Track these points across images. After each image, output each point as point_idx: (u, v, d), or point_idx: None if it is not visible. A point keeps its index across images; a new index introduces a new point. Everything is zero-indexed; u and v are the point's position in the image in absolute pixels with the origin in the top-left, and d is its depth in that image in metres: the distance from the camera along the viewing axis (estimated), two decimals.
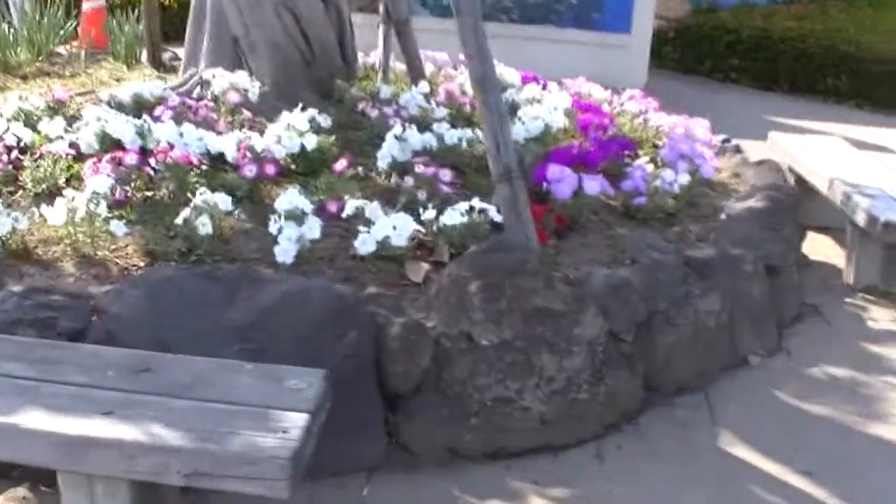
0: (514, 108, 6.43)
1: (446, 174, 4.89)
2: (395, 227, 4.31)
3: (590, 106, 6.53)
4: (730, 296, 4.82)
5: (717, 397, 4.60)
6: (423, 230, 4.56)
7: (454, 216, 4.49)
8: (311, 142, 5.05)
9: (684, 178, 5.35)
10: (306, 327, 3.79)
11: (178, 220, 4.15)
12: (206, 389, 3.12)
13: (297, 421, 2.98)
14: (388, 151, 5.14)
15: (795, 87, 10.68)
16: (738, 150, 6.68)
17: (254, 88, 5.77)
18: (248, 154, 4.74)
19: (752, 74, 10.84)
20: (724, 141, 6.74)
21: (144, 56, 7.54)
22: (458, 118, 5.97)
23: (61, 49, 7.91)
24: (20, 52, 7.31)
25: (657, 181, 5.26)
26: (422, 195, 4.81)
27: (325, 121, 5.46)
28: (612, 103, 6.95)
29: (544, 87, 7.19)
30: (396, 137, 5.14)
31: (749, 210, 5.48)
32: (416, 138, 5.18)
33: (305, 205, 4.26)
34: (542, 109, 5.90)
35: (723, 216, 5.49)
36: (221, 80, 5.78)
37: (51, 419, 2.93)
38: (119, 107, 5.56)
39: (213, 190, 4.58)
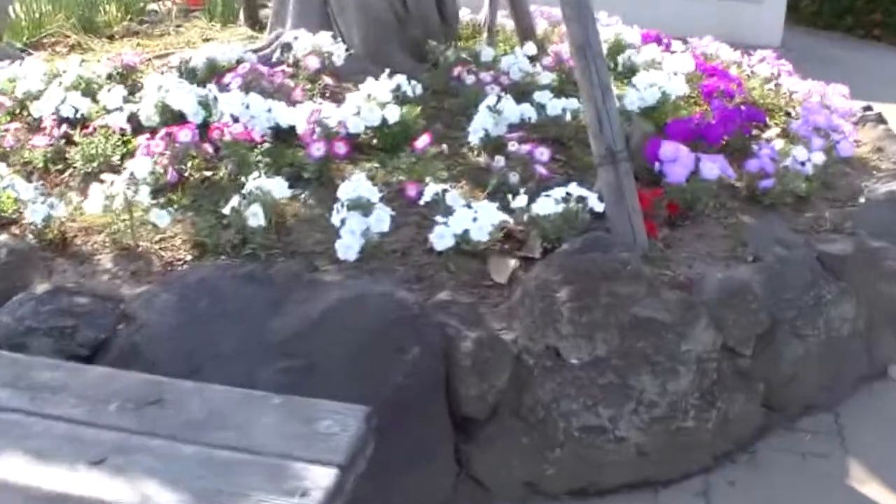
0: (632, 72, 5.68)
1: (544, 152, 4.20)
2: (475, 219, 3.63)
3: (716, 69, 5.72)
4: (868, 297, 4.04)
5: (849, 419, 3.86)
6: (511, 220, 3.87)
7: (547, 204, 3.80)
8: (394, 114, 4.41)
9: (818, 158, 4.53)
10: (360, 341, 3.18)
11: (227, 209, 3.55)
12: (219, 430, 2.54)
13: (321, 479, 2.38)
14: (479, 125, 4.47)
15: None
16: (880, 119, 5.77)
17: (339, 51, 5.14)
18: (318, 129, 4.09)
19: None
20: (865, 109, 5.83)
21: (242, 14, 6.96)
22: (566, 84, 5.23)
23: (155, 5, 7.36)
24: (108, 9, 6.78)
25: (787, 160, 4.45)
26: (514, 177, 4.11)
27: (414, 88, 4.79)
28: (741, 66, 6.10)
29: (668, 48, 6.39)
30: (490, 108, 4.47)
31: (892, 193, 4.63)
32: (512, 109, 4.49)
33: (372, 193, 3.62)
34: (661, 75, 5.11)
35: (862, 200, 4.66)
36: (304, 41, 5.16)
37: (29, 468, 2.39)
38: (190, 73, 5.01)
39: (279, 170, 3.99)
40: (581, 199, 3.87)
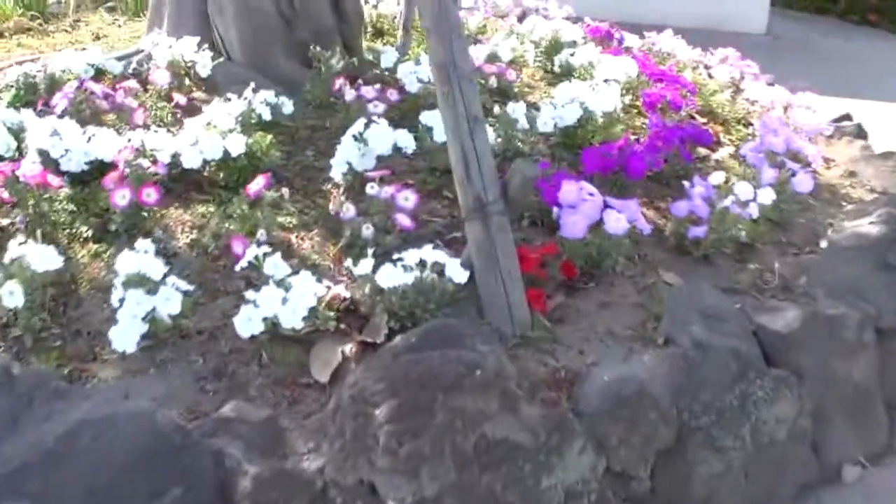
0: (568, 75, 4.69)
1: (409, 197, 3.22)
2: (285, 300, 2.68)
3: (664, 74, 4.70)
4: (818, 381, 3.06)
5: None
6: (346, 294, 2.92)
7: (393, 274, 2.82)
8: (237, 144, 3.42)
9: (766, 196, 3.54)
10: (105, 479, 2.27)
11: None
12: None
13: None
14: (343, 157, 3.47)
15: None
16: (860, 132, 4.74)
17: (204, 60, 4.16)
18: (128, 169, 3.14)
19: (893, 17, 8.55)
20: (842, 119, 4.79)
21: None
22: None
23: None
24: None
25: (726, 200, 3.44)
26: (368, 231, 3.14)
27: (280, 106, 3.81)
28: (697, 69, 5.06)
29: (619, 44, 5.38)
30: (355, 137, 3.46)
31: (859, 237, 3.62)
32: (382, 137, 3.49)
33: (155, 268, 2.66)
34: (583, 87, 4.11)
35: (823, 244, 3.66)
36: (162, 49, 4.18)
37: None
38: (30, 88, 4.03)
39: (88, 220, 3.07)
40: (439, 266, 2.89)
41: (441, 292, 2.91)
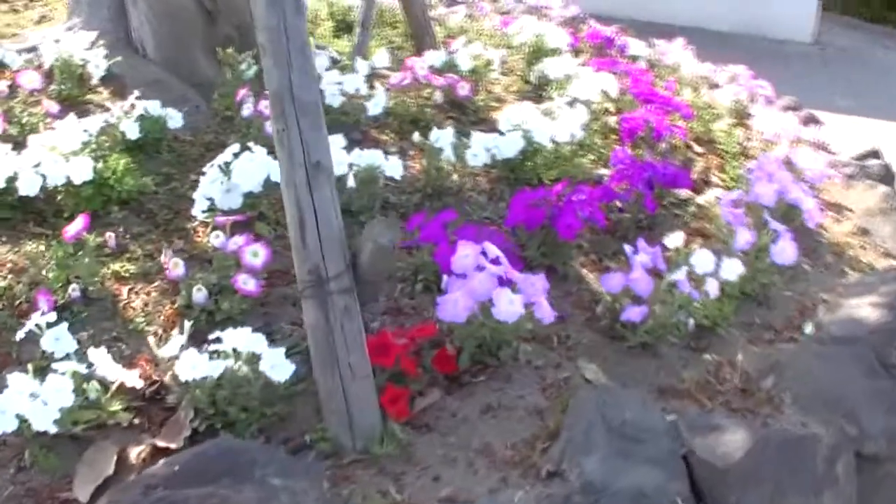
0: (542, 89, 3.94)
1: (258, 254, 2.48)
2: (34, 395, 1.99)
3: (654, 95, 3.88)
4: None
5: None
6: (140, 383, 2.23)
7: (197, 362, 2.11)
8: (82, 169, 2.73)
9: (732, 270, 2.73)
10: None
11: None
12: None
13: None
14: (203, 192, 2.76)
15: None
16: (886, 175, 3.86)
17: (97, 59, 3.48)
18: None
19: None
20: (868, 155, 3.92)
21: None
22: (404, 118, 3.50)
23: None
24: None
25: (679, 273, 2.65)
26: (201, 296, 2.43)
27: (163, 120, 3.11)
28: (697, 90, 4.21)
29: (622, 52, 4.58)
30: (221, 169, 2.74)
31: (855, 324, 2.82)
32: (254, 170, 2.76)
33: None
34: (529, 110, 3.36)
35: (808, 330, 2.85)
36: (48, 45, 3.51)
37: None
38: None
39: None
40: (255, 357, 2.17)
41: (266, 385, 2.19)
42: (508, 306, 2.35)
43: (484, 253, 2.52)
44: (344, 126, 3.46)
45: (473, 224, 3.04)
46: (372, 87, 3.57)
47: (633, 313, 2.59)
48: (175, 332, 2.39)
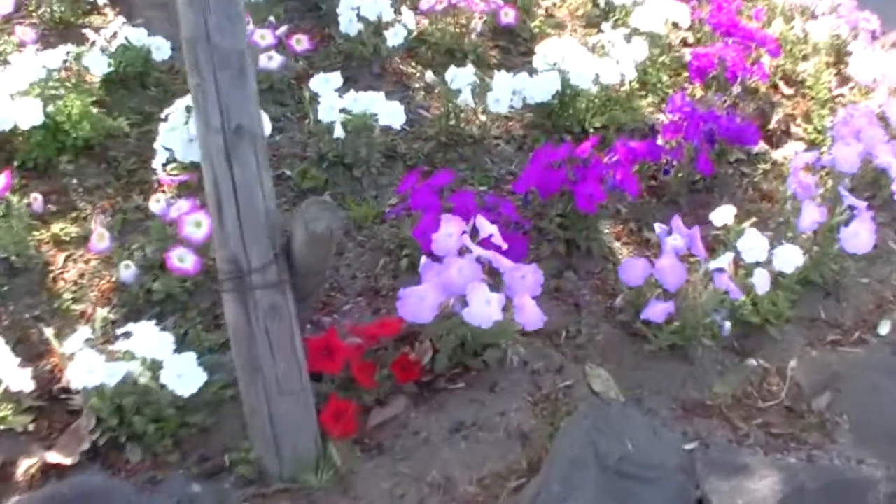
0: (608, 15, 3.39)
1: (201, 224, 2.06)
2: None
3: (734, 26, 3.25)
4: None
5: None
6: (29, 385, 1.85)
7: (94, 366, 1.72)
8: (30, 112, 2.37)
9: (789, 260, 2.20)
10: None
11: None
12: None
13: None
14: (162, 142, 2.34)
15: None
16: None
17: None
18: None
19: None
20: None
21: None
22: (438, 48, 3.01)
23: None
24: None
25: (718, 261, 2.12)
26: (128, 271, 2.04)
27: (157, 50, 2.71)
28: (791, 19, 3.55)
29: None
30: (185, 113, 2.32)
31: None
32: None
33: None
34: (569, 48, 2.79)
35: (882, 329, 2.31)
36: None
37: None
38: None
39: None
40: (157, 364, 1.76)
41: (165, 399, 1.79)
42: (483, 307, 1.87)
43: (476, 230, 2.04)
44: (360, 59, 2.99)
45: (489, 185, 2.55)
46: (398, 12, 3.06)
47: (656, 312, 2.07)
48: (100, 312, 1.99)
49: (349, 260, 2.32)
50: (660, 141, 2.75)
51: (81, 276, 2.19)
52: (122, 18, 2.86)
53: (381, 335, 1.97)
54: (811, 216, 2.31)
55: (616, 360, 2.14)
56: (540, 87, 2.67)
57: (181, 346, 1.96)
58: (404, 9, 3.07)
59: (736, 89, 3.00)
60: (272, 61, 2.72)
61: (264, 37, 2.74)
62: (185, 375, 1.77)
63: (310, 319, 2.02)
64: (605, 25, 3.08)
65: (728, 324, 2.12)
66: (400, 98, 2.90)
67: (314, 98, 2.53)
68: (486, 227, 2.04)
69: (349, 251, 2.34)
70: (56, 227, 2.29)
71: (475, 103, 2.66)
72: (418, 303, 1.90)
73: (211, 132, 1.71)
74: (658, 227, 2.21)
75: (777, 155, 2.92)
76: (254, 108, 1.74)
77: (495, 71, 2.80)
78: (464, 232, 2.01)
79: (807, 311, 2.36)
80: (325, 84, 2.54)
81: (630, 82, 2.92)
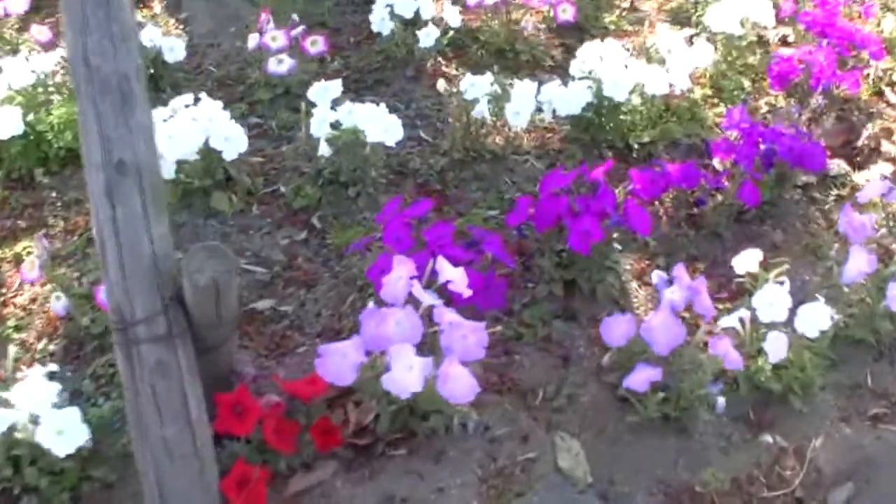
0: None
1: None
2: None
3: (830, 24, 2.81)
4: None
5: None
6: None
7: None
8: (10, 122, 2.29)
9: (813, 321, 1.81)
10: None
11: None
12: None
13: None
14: None
15: None
16: None
17: None
18: None
19: None
20: None
21: None
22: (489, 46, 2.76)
23: None
24: None
25: (729, 318, 1.78)
26: (58, 305, 1.90)
27: (170, 51, 2.59)
28: None
29: None
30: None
31: None
32: (188, 132, 2.16)
33: None
34: (613, 51, 2.46)
35: None
36: None
37: None
38: None
39: None
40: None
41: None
42: (404, 374, 1.60)
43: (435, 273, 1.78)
44: (396, 61, 2.74)
45: (502, 209, 2.26)
46: (441, 9, 2.79)
47: (639, 380, 1.75)
48: (12, 351, 1.84)
49: (318, 293, 2.09)
50: (716, 162, 2.40)
51: (33, 300, 2.06)
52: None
53: (309, 394, 1.73)
54: (858, 265, 1.92)
55: (597, 428, 1.84)
56: (568, 99, 2.35)
57: (108, 388, 1.81)
58: (447, 4, 2.80)
59: (816, 99, 2.58)
60: (282, 65, 2.51)
61: (276, 38, 2.54)
62: (66, 432, 1.59)
63: (231, 370, 1.80)
64: (657, 26, 2.72)
65: (722, 400, 1.77)
66: (432, 104, 2.65)
67: (309, 109, 2.30)
68: (447, 271, 1.78)
69: (322, 282, 2.11)
70: (20, 246, 2.16)
71: (494, 116, 2.37)
72: (340, 361, 1.66)
73: (91, 167, 1.52)
74: (656, 275, 1.88)
75: (859, 178, 2.50)
76: (142, 140, 1.53)
77: (549, 76, 2.53)
78: (414, 276, 1.76)
79: (849, 376, 1.97)
80: (324, 93, 2.31)
81: (701, 89, 2.57)
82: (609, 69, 2.36)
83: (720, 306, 2.08)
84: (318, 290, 2.10)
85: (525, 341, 1.98)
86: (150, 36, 2.61)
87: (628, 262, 2.17)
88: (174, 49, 2.62)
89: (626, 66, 2.40)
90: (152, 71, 2.61)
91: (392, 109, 2.56)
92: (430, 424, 1.75)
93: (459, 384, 1.62)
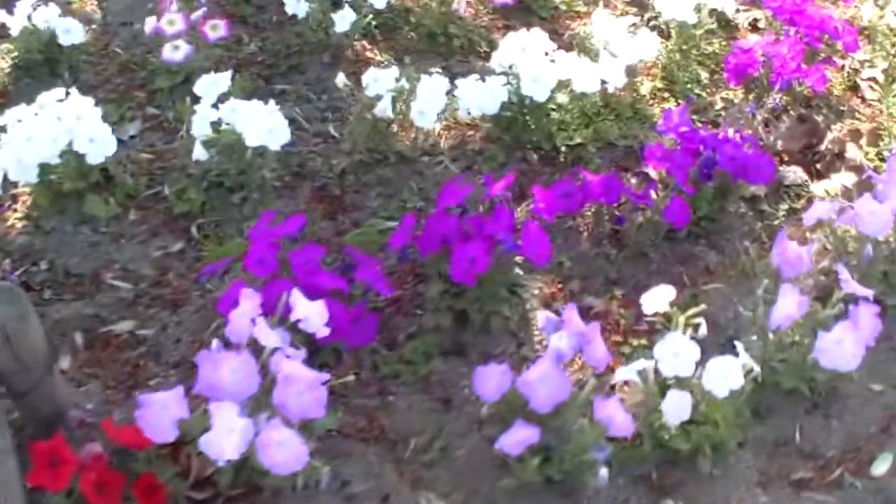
0: None
1: None
2: None
3: (800, 12, 2.52)
4: None
5: None
6: None
7: None
8: None
9: (723, 378, 1.55)
10: None
11: None
12: None
13: None
14: None
15: None
16: None
17: None
18: None
19: None
20: None
21: None
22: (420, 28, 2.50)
23: None
24: None
25: (619, 372, 1.53)
26: None
27: (65, 35, 2.37)
28: (885, 6, 2.75)
29: None
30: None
31: None
32: (48, 132, 1.93)
33: None
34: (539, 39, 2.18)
35: (879, 469, 1.69)
36: None
37: None
38: None
39: None
40: None
41: None
42: (222, 437, 1.37)
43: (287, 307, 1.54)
44: (314, 45, 2.48)
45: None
46: None
47: (512, 442, 1.50)
48: None
49: (184, 316, 1.86)
50: (651, 170, 2.13)
51: None
52: None
53: (141, 443, 1.50)
54: (787, 308, 1.64)
55: (470, 489, 1.59)
56: (483, 98, 2.08)
57: None
58: None
59: (773, 98, 2.29)
60: (177, 52, 2.25)
61: (173, 22, 2.28)
62: None
63: (59, 412, 1.58)
64: (600, 12, 2.42)
65: (605, 471, 1.52)
66: (348, 94, 2.39)
67: (192, 105, 2.05)
68: (301, 307, 1.54)
69: (190, 303, 1.88)
70: None
71: (401, 115, 2.11)
72: (161, 413, 1.43)
73: None
74: (543, 317, 1.63)
75: (818, 188, 2.22)
76: None
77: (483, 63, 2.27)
78: (262, 314, 1.52)
79: (776, 431, 1.71)
80: (211, 87, 2.06)
81: (651, 81, 2.30)
82: (529, 64, 2.08)
83: (634, 342, 1.83)
84: (184, 311, 1.86)
85: (403, 380, 1.74)
86: (46, 17, 2.36)
87: (536, 287, 1.92)
88: (71, 31, 2.36)
89: (552, 61, 2.13)
90: (45, 56, 2.38)
91: (303, 100, 2.32)
92: (274, 480, 1.53)
93: (284, 452, 1.39)
